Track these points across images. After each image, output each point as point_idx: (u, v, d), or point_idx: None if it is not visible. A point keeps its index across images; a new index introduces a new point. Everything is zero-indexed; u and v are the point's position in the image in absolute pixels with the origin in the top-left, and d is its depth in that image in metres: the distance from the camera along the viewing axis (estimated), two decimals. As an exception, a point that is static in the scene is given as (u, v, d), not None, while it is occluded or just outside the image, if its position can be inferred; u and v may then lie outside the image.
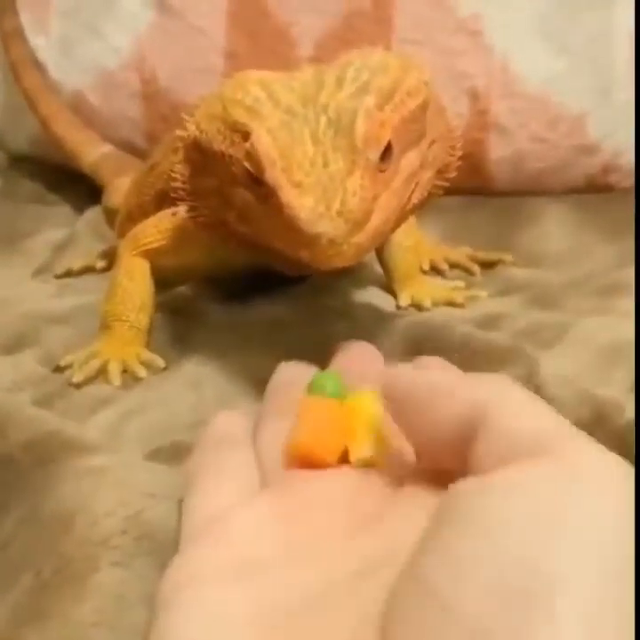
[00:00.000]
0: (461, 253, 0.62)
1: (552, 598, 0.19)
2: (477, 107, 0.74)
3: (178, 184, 0.45)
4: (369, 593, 0.24)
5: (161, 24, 0.81)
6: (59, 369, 0.47)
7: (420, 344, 0.47)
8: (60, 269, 0.69)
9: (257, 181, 0.38)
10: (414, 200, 0.42)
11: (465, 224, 0.71)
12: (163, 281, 0.51)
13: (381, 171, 0.37)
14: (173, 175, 0.45)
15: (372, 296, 0.55)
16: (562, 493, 0.22)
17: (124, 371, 0.47)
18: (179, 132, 0.44)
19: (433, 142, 0.42)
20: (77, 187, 0.86)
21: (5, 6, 0.87)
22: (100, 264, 0.69)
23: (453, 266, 0.61)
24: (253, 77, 0.41)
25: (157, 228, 0.50)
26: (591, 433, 0.37)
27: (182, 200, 0.45)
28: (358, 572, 0.25)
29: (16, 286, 0.65)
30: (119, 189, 0.69)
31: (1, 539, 0.33)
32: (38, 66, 0.86)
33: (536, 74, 0.75)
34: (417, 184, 0.41)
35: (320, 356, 0.42)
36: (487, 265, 0.62)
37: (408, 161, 0.40)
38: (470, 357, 0.44)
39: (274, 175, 0.36)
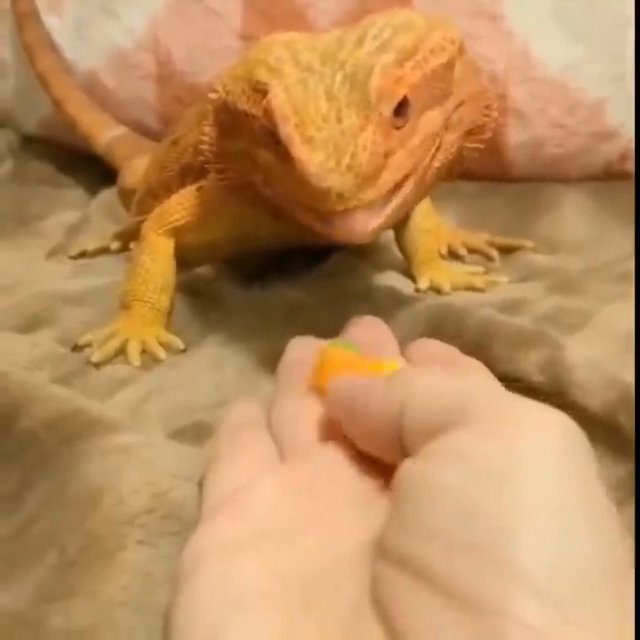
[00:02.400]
0: (480, 239, 0.62)
1: (511, 550, 0.20)
2: (496, 91, 0.74)
3: (206, 146, 0.45)
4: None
5: (177, 5, 0.80)
6: (77, 348, 0.47)
7: (440, 327, 0.46)
8: (74, 251, 0.69)
9: (274, 139, 0.38)
10: (436, 163, 0.40)
11: (482, 210, 0.70)
12: (185, 260, 0.51)
13: (397, 127, 0.37)
14: (202, 138, 0.45)
15: (391, 279, 0.55)
16: (499, 451, 0.22)
17: (144, 351, 0.46)
18: (209, 95, 0.44)
19: (461, 103, 0.41)
20: (89, 168, 0.86)
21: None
22: (115, 245, 0.69)
23: (472, 251, 0.61)
24: (279, 39, 0.41)
25: (182, 205, 0.49)
26: (617, 416, 0.38)
27: (210, 162, 0.45)
28: (369, 543, 0.25)
29: (30, 267, 0.64)
30: (134, 170, 0.68)
31: (26, 516, 0.33)
32: (53, 47, 0.86)
33: (555, 59, 0.74)
34: (439, 146, 0.40)
35: (338, 337, 0.42)
36: (505, 251, 0.62)
37: (428, 120, 0.39)
38: (492, 341, 0.44)
39: (287, 131, 0.36)
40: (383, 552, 0.24)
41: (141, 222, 0.52)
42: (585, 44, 0.74)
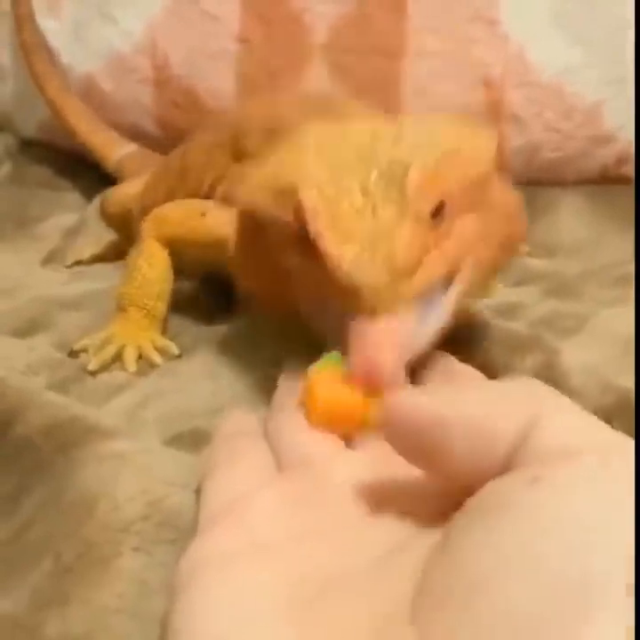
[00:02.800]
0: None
1: (600, 598, 0.19)
2: (492, 96, 0.74)
3: (236, 253, 0.43)
4: (392, 579, 0.24)
5: (174, 9, 0.80)
6: (73, 353, 0.47)
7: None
8: (70, 259, 0.69)
9: (305, 239, 0.35)
10: (471, 273, 0.38)
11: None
12: (180, 268, 0.51)
13: (432, 229, 0.35)
14: (231, 245, 0.43)
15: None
16: (615, 496, 0.21)
17: (140, 357, 0.46)
18: (236, 205, 0.42)
19: (495, 218, 0.39)
20: (88, 172, 0.86)
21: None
22: (111, 255, 0.69)
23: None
24: (308, 139, 0.39)
25: (183, 225, 0.48)
26: (613, 422, 0.38)
27: (239, 276, 0.44)
28: (378, 557, 0.25)
29: (27, 271, 0.64)
30: (124, 192, 0.67)
31: (21, 522, 0.33)
32: (49, 50, 0.86)
33: (551, 64, 0.74)
34: (475, 258, 0.38)
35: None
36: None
37: (463, 226, 0.37)
38: (488, 346, 0.44)
39: (317, 226, 0.34)
40: (451, 560, 0.22)
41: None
42: (581, 48, 0.75)
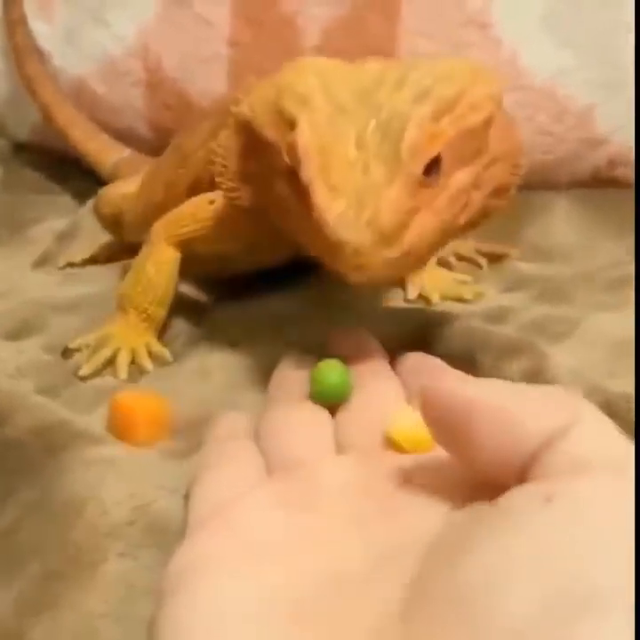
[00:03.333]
0: (468, 246, 0.62)
1: (604, 615, 0.19)
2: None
3: (219, 159, 0.43)
4: (384, 582, 0.24)
5: (167, 13, 0.80)
6: (68, 351, 0.47)
7: (425, 337, 0.46)
8: (62, 261, 0.69)
9: (295, 176, 0.36)
10: (460, 221, 0.38)
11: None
12: (189, 271, 0.51)
13: (425, 186, 0.35)
14: (218, 151, 0.43)
15: (378, 288, 0.55)
16: (625, 515, 0.21)
17: (132, 362, 0.46)
18: (233, 109, 0.42)
19: (494, 161, 0.39)
20: (80, 176, 0.85)
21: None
22: (103, 257, 0.69)
23: (460, 259, 0.61)
24: (313, 65, 0.40)
25: (195, 218, 0.48)
26: None
27: (224, 178, 0.44)
28: (370, 561, 0.25)
29: (19, 274, 0.64)
30: (116, 192, 0.67)
31: (7, 524, 0.33)
32: (40, 53, 0.86)
33: (543, 67, 0.74)
34: (466, 204, 0.38)
35: (325, 348, 0.42)
36: (494, 258, 0.62)
37: (458, 179, 0.37)
38: (476, 350, 0.44)
39: (309, 173, 0.35)
40: (449, 566, 0.22)
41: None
42: (573, 51, 0.74)
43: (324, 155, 0.35)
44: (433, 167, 0.35)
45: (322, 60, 0.41)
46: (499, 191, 0.41)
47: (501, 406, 0.25)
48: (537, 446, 0.24)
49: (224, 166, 0.43)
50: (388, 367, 0.39)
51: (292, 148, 0.36)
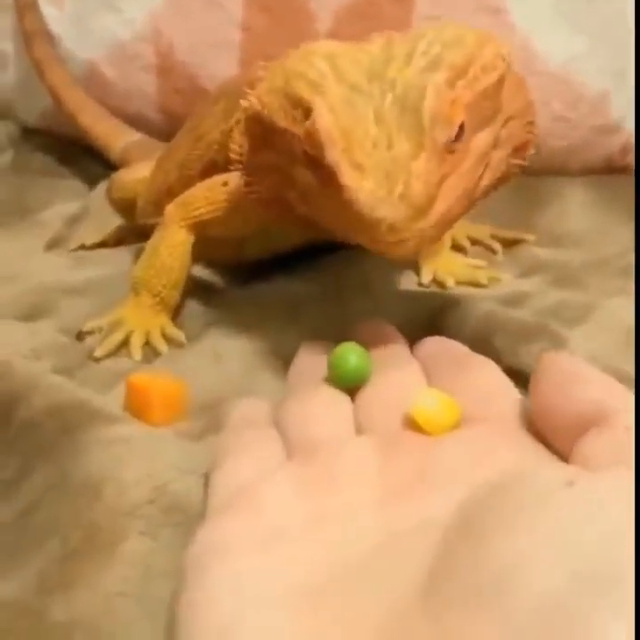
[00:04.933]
0: (483, 231, 0.61)
1: (627, 593, 0.19)
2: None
3: (236, 156, 0.43)
4: (402, 565, 0.24)
5: (177, -3, 0.79)
6: (81, 334, 0.47)
7: (442, 321, 0.46)
8: (73, 245, 0.69)
9: (317, 161, 0.35)
10: (485, 182, 0.38)
11: (484, 202, 0.69)
12: (203, 255, 0.50)
13: (450, 152, 0.35)
14: (232, 147, 0.43)
15: (393, 272, 0.55)
16: None
17: (146, 343, 0.46)
18: (242, 103, 0.41)
19: (509, 119, 0.39)
20: (89, 160, 0.86)
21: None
22: (113, 240, 0.69)
23: (475, 243, 0.61)
24: (319, 49, 0.39)
25: (208, 200, 0.47)
26: None
27: (240, 173, 0.43)
28: (390, 543, 0.25)
29: (30, 258, 0.64)
30: (130, 177, 0.67)
31: (26, 504, 0.33)
32: (50, 38, 0.86)
33: (558, 53, 0.74)
34: (488, 165, 0.38)
35: (340, 331, 0.42)
36: (508, 243, 0.61)
37: (480, 141, 0.37)
38: (493, 334, 0.44)
39: (333, 156, 0.34)
40: (473, 546, 0.22)
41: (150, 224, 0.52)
42: (587, 37, 0.74)
43: (345, 136, 0.35)
44: (459, 133, 0.35)
45: (327, 43, 0.40)
46: (518, 150, 0.41)
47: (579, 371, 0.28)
48: (593, 412, 0.26)
49: (240, 162, 0.43)
50: (408, 351, 0.39)
51: (312, 134, 0.35)
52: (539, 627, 0.19)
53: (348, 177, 0.34)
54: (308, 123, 0.36)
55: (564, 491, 0.22)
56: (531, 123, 0.41)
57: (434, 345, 0.39)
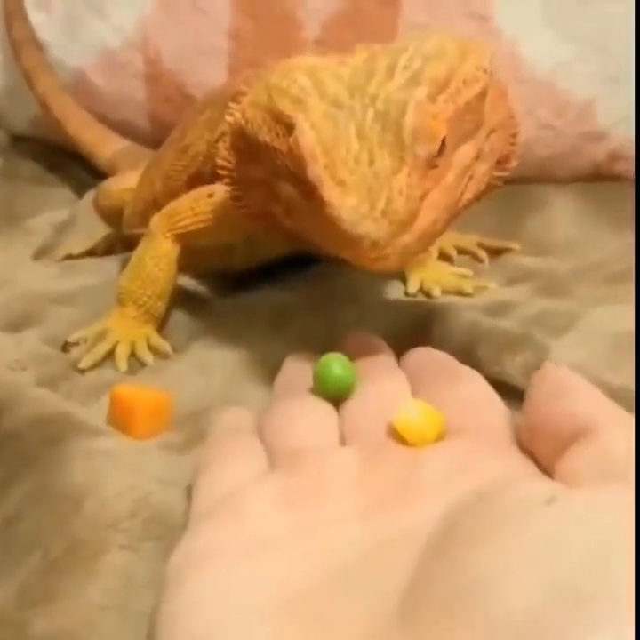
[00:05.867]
0: (470, 240, 0.61)
1: (610, 613, 0.19)
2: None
3: (224, 171, 0.43)
4: (385, 575, 0.24)
5: (166, 5, 0.79)
6: (67, 345, 0.47)
7: (427, 331, 0.46)
8: (61, 253, 0.69)
9: (300, 177, 0.36)
10: (468, 195, 0.39)
11: (470, 211, 0.69)
12: (188, 266, 0.50)
13: (432, 167, 0.35)
14: (219, 160, 0.43)
15: (379, 281, 0.55)
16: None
17: (132, 354, 0.46)
18: (227, 118, 0.42)
19: (492, 131, 0.39)
20: (78, 167, 0.86)
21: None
22: (101, 249, 0.69)
23: (461, 252, 0.61)
24: (301, 65, 0.39)
25: (194, 211, 0.47)
26: None
27: (228, 185, 0.43)
28: (373, 553, 0.25)
29: (17, 266, 0.64)
30: (116, 186, 0.67)
31: (7, 513, 0.33)
32: (39, 45, 0.86)
33: (544, 60, 0.74)
34: (471, 177, 0.38)
35: (326, 341, 0.42)
36: (495, 252, 0.61)
37: (462, 154, 0.37)
38: (477, 344, 0.44)
39: (316, 173, 0.35)
40: (450, 559, 0.22)
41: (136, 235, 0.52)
42: (574, 44, 0.74)
43: (326, 152, 0.35)
44: (441, 147, 0.35)
45: (309, 58, 0.40)
46: (501, 162, 0.41)
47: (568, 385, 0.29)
48: (578, 426, 0.26)
49: (230, 177, 0.43)
50: (394, 362, 0.39)
51: (294, 151, 0.36)
52: None
53: (330, 193, 0.34)
54: (290, 139, 0.36)
55: (544, 507, 0.22)
56: (513, 135, 0.42)
57: (421, 355, 0.39)
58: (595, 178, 0.76)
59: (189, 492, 0.32)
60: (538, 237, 0.66)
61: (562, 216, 0.69)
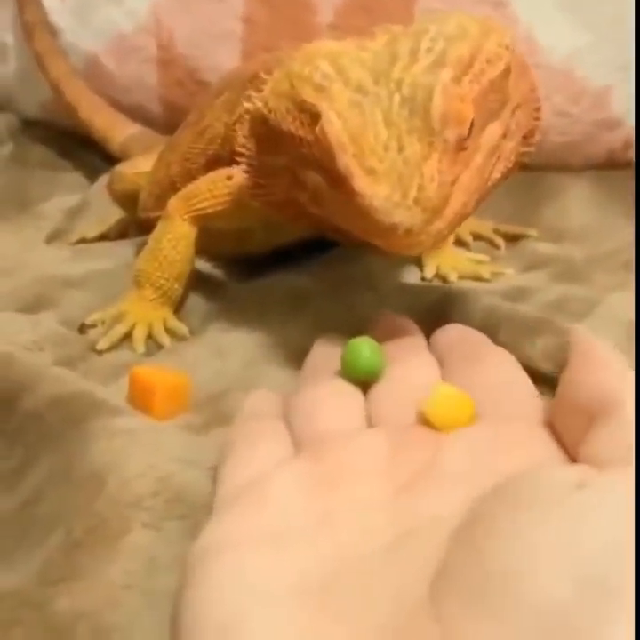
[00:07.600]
0: (486, 226, 0.61)
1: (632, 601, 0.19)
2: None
3: (243, 159, 0.42)
4: (411, 563, 0.23)
5: (179, -12, 0.79)
6: (84, 327, 0.46)
7: (445, 315, 0.46)
8: (73, 237, 0.69)
9: (328, 166, 0.35)
10: (497, 174, 0.38)
11: (487, 198, 0.70)
12: (206, 249, 0.50)
13: (461, 149, 0.35)
14: (239, 150, 0.42)
15: (396, 266, 0.55)
16: None
17: (149, 336, 0.46)
18: (246, 105, 0.41)
19: (517, 108, 0.39)
20: (89, 152, 0.85)
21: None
22: (114, 233, 0.69)
23: (478, 238, 0.60)
24: (322, 51, 0.38)
25: (212, 194, 0.47)
26: None
27: (246, 174, 0.43)
28: (398, 541, 0.25)
29: (30, 250, 0.64)
30: (131, 170, 0.66)
31: (30, 493, 0.33)
32: (51, 29, 0.85)
33: (560, 47, 0.73)
34: (499, 156, 0.38)
35: (343, 325, 0.42)
36: (511, 238, 0.61)
37: (490, 134, 0.37)
38: (497, 328, 0.44)
39: (345, 162, 0.34)
40: (476, 548, 0.22)
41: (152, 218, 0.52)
42: (590, 31, 0.74)
43: (354, 141, 0.34)
44: (469, 129, 0.35)
45: (330, 43, 0.40)
46: (526, 137, 0.41)
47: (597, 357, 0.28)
48: (606, 400, 0.26)
49: (249, 165, 0.42)
50: (423, 343, 0.38)
51: (322, 141, 0.35)
52: (542, 633, 0.19)
53: (361, 183, 0.34)
54: (317, 129, 0.35)
55: (574, 493, 0.22)
56: (537, 109, 0.41)
57: (452, 334, 0.39)
58: (609, 165, 0.76)
59: (212, 473, 0.32)
60: (553, 225, 0.65)
61: (577, 203, 0.69)
